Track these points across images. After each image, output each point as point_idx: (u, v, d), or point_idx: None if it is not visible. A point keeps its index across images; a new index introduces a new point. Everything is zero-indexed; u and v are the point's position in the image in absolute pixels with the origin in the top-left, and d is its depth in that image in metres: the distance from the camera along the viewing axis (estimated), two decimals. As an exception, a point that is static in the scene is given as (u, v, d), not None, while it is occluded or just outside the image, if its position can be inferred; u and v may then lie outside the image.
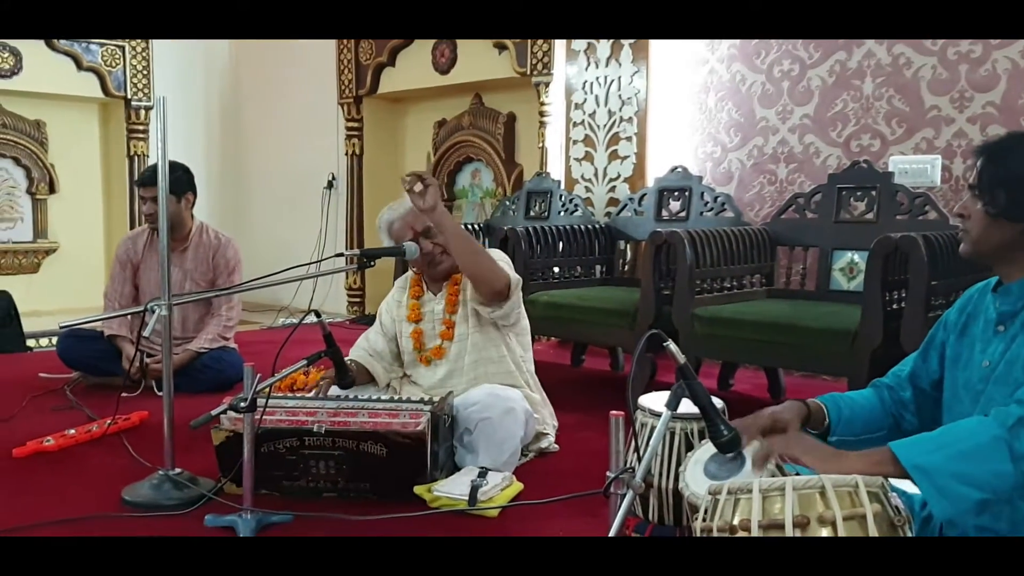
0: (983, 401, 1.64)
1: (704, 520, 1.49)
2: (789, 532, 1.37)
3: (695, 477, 1.79)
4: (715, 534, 1.44)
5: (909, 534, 1.41)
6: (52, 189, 6.84)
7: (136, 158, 6.88)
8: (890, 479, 1.49)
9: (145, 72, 6.86)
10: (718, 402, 1.87)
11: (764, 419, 1.78)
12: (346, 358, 2.97)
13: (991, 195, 1.61)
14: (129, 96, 6.81)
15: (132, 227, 6.63)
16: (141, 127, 6.88)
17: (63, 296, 6.55)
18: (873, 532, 1.36)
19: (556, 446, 3.06)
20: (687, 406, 1.77)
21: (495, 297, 2.78)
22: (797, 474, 1.60)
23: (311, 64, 6.99)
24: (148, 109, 6.86)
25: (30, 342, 5.22)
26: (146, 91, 6.86)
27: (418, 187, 2.63)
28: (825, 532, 1.37)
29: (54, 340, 4.84)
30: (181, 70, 7.15)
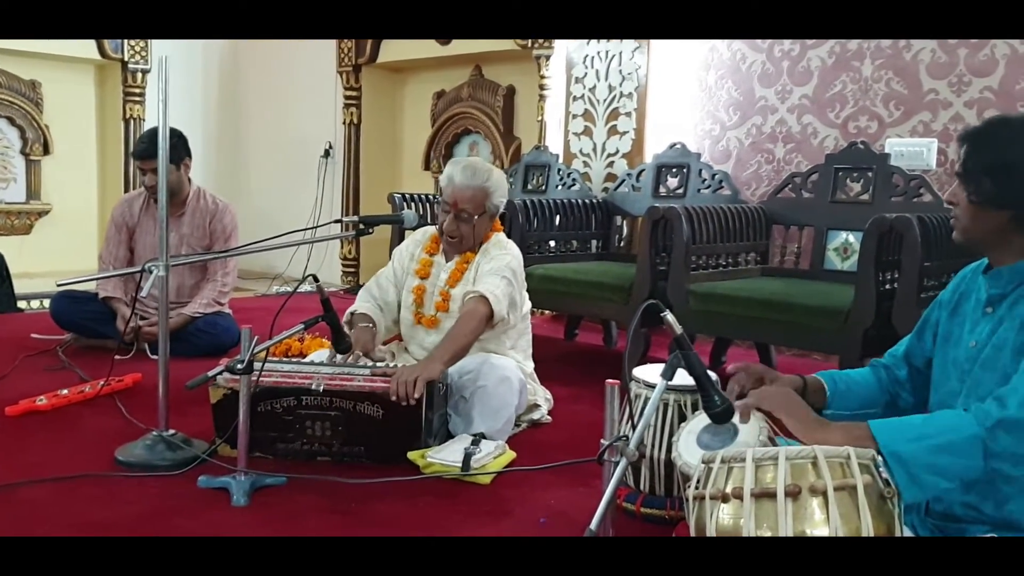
0: (969, 382, 1.67)
1: (697, 488, 1.51)
2: (781, 500, 1.39)
3: (688, 447, 1.81)
4: (707, 501, 1.46)
5: (897, 506, 1.44)
6: (46, 150, 6.79)
7: (132, 121, 6.82)
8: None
9: (142, 35, 6.81)
10: (712, 375, 1.89)
11: (757, 369, 1.81)
12: (353, 309, 2.97)
13: (976, 183, 1.61)
14: (126, 59, 6.74)
15: (127, 191, 6.59)
16: (138, 90, 6.82)
17: (55, 258, 6.52)
18: (863, 503, 1.39)
19: (549, 417, 3.08)
20: (681, 378, 1.78)
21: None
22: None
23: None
24: (145, 72, 6.80)
25: (21, 303, 5.20)
26: (143, 54, 6.80)
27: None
28: (816, 501, 1.39)
29: (45, 302, 4.83)
30: (179, 34, 7.08)
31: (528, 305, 3.08)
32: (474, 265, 2.94)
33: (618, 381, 1.74)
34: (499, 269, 2.86)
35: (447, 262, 3.00)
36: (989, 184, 1.59)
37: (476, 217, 2.89)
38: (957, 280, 1.82)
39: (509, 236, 4.09)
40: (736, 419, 1.77)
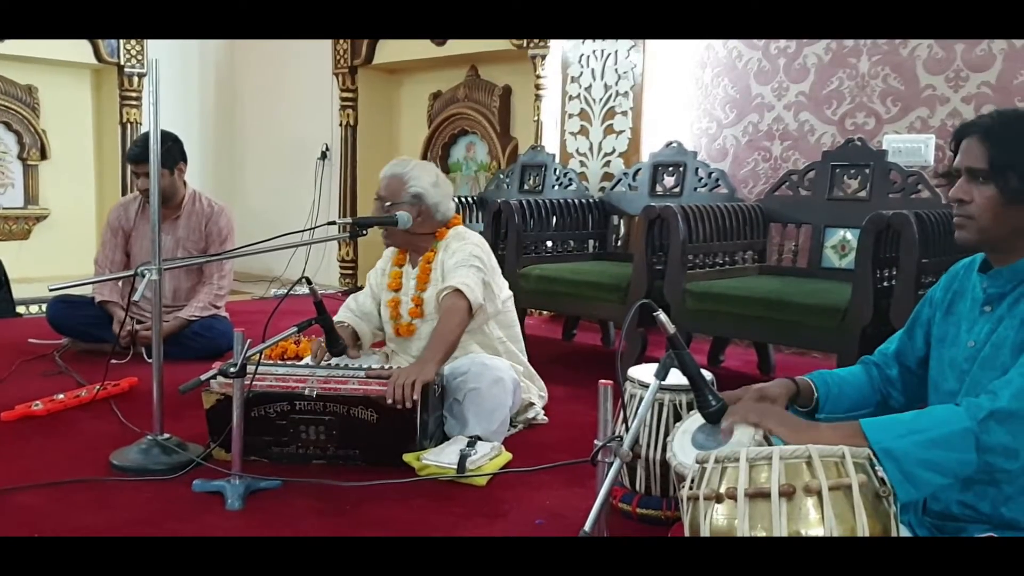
0: (968, 382, 1.65)
1: (691, 488, 1.50)
2: (775, 500, 1.38)
3: (683, 447, 1.80)
4: (701, 501, 1.45)
5: (893, 505, 1.43)
6: (44, 155, 6.77)
7: (129, 125, 6.81)
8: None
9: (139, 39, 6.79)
10: (707, 374, 1.88)
11: (751, 394, 1.79)
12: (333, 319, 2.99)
13: (1003, 179, 1.55)
14: (122, 62, 6.73)
15: (124, 195, 6.57)
16: (134, 94, 6.81)
17: (54, 263, 6.51)
18: (858, 502, 1.37)
19: (545, 418, 3.07)
20: (676, 378, 1.77)
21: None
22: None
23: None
24: (141, 76, 6.79)
25: (20, 308, 5.20)
26: (139, 58, 6.79)
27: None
28: (811, 501, 1.38)
29: (43, 307, 4.82)
30: (175, 37, 7.07)
31: (507, 291, 3.06)
32: (437, 263, 2.93)
33: (611, 381, 1.73)
34: (464, 260, 2.85)
35: (413, 268, 3.00)
36: (1016, 181, 1.54)
37: (389, 204, 2.89)
38: (948, 278, 1.79)
39: (506, 236, 4.11)
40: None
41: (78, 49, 6.59)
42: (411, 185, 2.90)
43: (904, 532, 1.70)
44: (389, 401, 2.46)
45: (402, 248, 3.02)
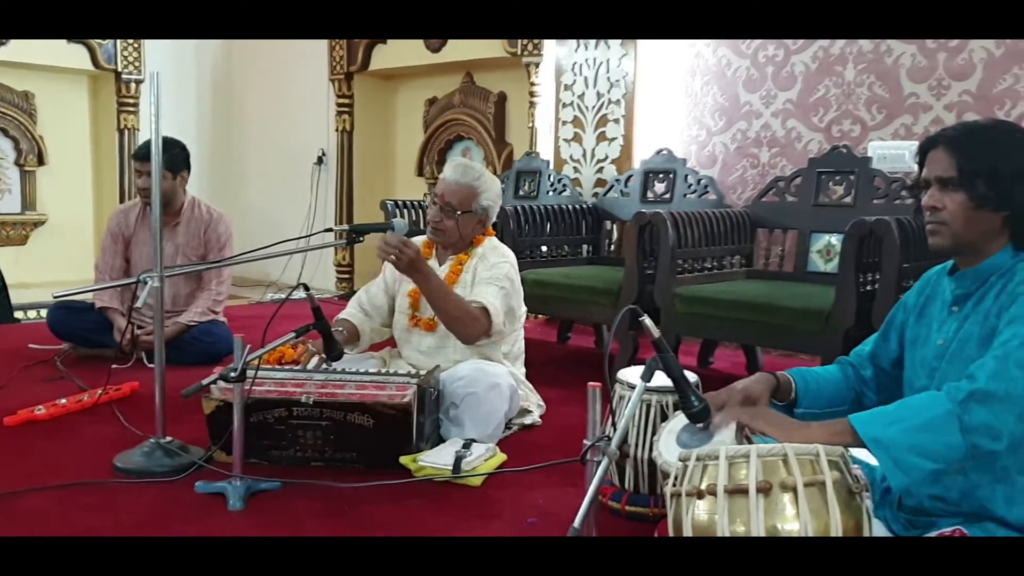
0: (937, 378, 1.73)
1: (674, 485, 1.57)
2: (753, 496, 1.45)
3: (668, 446, 1.87)
4: (684, 498, 1.52)
5: (867, 501, 1.50)
6: (41, 161, 6.80)
7: (126, 132, 6.85)
8: (851, 450, 1.59)
9: (136, 45, 6.81)
10: (692, 376, 1.95)
11: (735, 393, 1.86)
12: (337, 317, 3.04)
13: (972, 186, 1.64)
14: (119, 69, 6.77)
15: (121, 201, 6.62)
16: (131, 100, 6.85)
17: (51, 269, 6.55)
18: (832, 498, 1.45)
19: (540, 421, 3.13)
20: (663, 380, 1.84)
21: (467, 341, 2.89)
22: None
23: (303, 40, 6.98)
24: (139, 82, 6.84)
25: (18, 314, 5.24)
26: (136, 64, 6.84)
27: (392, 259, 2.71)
28: (787, 497, 1.45)
29: (42, 312, 4.87)
30: (172, 43, 7.11)
31: (523, 308, 3.13)
32: (470, 268, 2.99)
33: (600, 383, 1.80)
34: (498, 279, 2.92)
35: (440, 265, 3.04)
36: (984, 186, 1.63)
37: (460, 213, 2.94)
38: (922, 283, 1.88)
39: (502, 240, 4.17)
40: (714, 419, 1.83)
41: (75, 55, 6.63)
42: (484, 197, 2.97)
43: (879, 527, 1.78)
44: (379, 257, 2.60)
45: (447, 245, 3.04)
